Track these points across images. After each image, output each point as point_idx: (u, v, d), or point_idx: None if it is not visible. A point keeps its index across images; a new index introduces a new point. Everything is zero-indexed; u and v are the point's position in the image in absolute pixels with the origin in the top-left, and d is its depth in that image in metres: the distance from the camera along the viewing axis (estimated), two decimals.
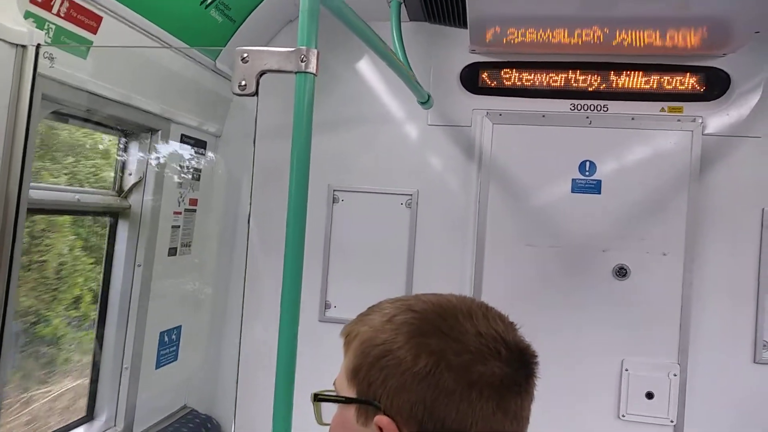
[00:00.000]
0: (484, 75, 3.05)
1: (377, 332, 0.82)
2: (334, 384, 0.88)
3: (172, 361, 3.00)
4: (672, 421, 2.85)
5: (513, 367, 0.81)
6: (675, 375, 2.85)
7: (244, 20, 2.77)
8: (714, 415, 2.87)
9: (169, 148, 2.72)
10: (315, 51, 1.40)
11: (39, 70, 1.69)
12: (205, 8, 2.47)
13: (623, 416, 2.89)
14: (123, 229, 2.62)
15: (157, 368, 2.87)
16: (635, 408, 2.88)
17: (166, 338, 2.93)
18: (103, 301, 2.61)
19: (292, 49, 1.39)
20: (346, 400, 0.83)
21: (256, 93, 1.44)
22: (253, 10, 2.77)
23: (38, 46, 1.67)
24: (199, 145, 2.97)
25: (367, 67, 3.17)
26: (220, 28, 2.66)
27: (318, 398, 0.87)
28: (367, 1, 2.73)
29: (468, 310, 0.84)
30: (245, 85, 1.44)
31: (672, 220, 2.86)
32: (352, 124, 3.18)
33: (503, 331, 0.83)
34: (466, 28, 2.74)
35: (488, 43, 2.88)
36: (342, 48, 3.03)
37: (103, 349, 2.63)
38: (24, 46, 1.66)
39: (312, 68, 1.41)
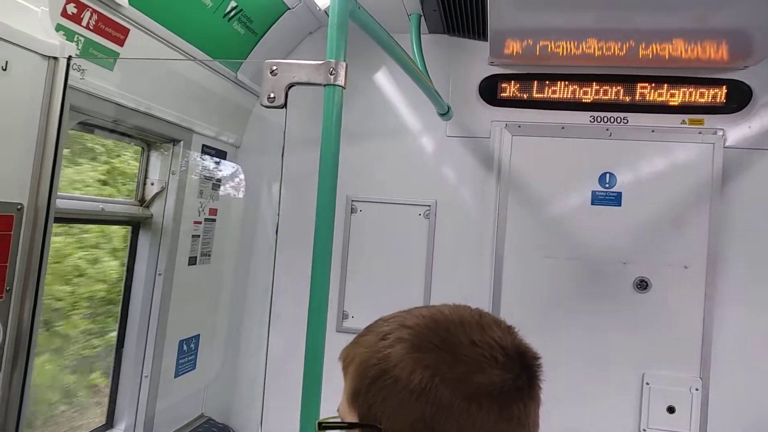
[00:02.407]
0: (503, 87, 3.05)
1: (372, 353, 0.80)
2: (338, 410, 0.86)
3: (191, 370, 3.01)
4: None
5: (513, 372, 0.77)
6: (697, 389, 2.82)
7: (265, 32, 2.80)
8: (737, 430, 2.83)
9: (191, 158, 2.74)
10: (344, 64, 1.43)
11: (69, 81, 1.72)
12: (228, 21, 2.50)
13: (644, 430, 2.86)
14: (144, 238, 2.65)
15: (176, 377, 2.88)
16: (656, 422, 2.85)
17: (185, 347, 2.95)
18: (123, 308, 2.63)
19: (321, 62, 1.41)
20: (349, 426, 0.81)
21: (284, 105, 1.46)
22: (275, 22, 2.80)
23: (69, 58, 1.69)
24: (219, 155, 3.00)
25: (385, 79, 3.19)
26: (242, 40, 2.69)
27: (322, 426, 0.85)
28: (387, 14, 2.75)
29: (460, 320, 0.81)
30: (274, 97, 1.46)
31: (693, 233, 2.84)
32: (370, 135, 3.19)
33: (500, 337, 0.80)
34: (486, 40, 2.76)
35: (507, 56, 2.89)
36: (361, 60, 3.05)
37: (123, 357, 2.64)
38: (56, 58, 1.68)
39: (341, 81, 1.43)
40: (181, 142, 2.65)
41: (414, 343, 0.78)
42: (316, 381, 1.43)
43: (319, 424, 0.85)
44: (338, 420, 0.84)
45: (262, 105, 1.47)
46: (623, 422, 2.88)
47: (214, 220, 3.03)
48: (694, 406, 2.82)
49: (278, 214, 3.20)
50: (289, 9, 2.76)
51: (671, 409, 2.85)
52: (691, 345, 2.84)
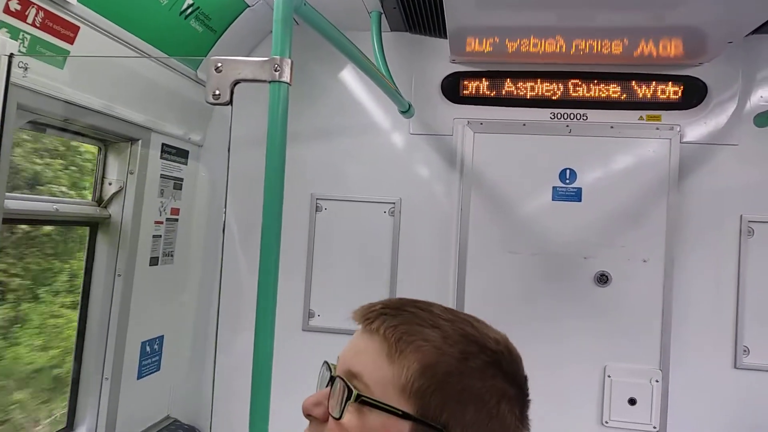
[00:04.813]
0: (465, 84, 3.07)
1: (454, 365, 0.79)
2: (351, 379, 0.82)
3: (155, 371, 2.98)
4: (655, 428, 2.86)
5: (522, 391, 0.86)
6: (657, 381, 2.87)
7: (224, 30, 2.77)
8: (696, 420, 2.89)
9: (150, 157, 2.71)
10: (289, 60, 1.41)
11: (12, 79, 1.69)
12: (185, 18, 2.48)
13: (606, 423, 2.90)
14: (103, 239, 2.61)
15: (138, 378, 2.85)
16: (618, 414, 2.89)
17: (148, 348, 2.91)
18: (82, 310, 2.59)
19: (266, 58, 1.40)
20: (403, 415, 0.78)
21: (230, 102, 1.44)
22: (234, 20, 2.77)
23: (11, 56, 1.66)
24: (180, 154, 2.97)
25: (350, 77, 3.18)
26: (200, 38, 2.67)
27: (362, 400, 0.80)
28: (347, 12, 2.77)
29: (516, 353, 0.88)
30: (219, 94, 1.44)
31: (652, 227, 2.89)
32: (335, 132, 3.19)
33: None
34: (446, 38, 2.77)
35: (468, 53, 2.91)
36: (325, 58, 3.05)
37: (83, 360, 2.60)
38: None
39: (286, 77, 1.42)
40: (140, 141, 2.62)
41: (503, 372, 0.82)
42: (265, 382, 1.42)
43: (358, 395, 0.80)
44: (385, 404, 0.80)
45: (207, 102, 1.45)
46: (585, 415, 2.92)
47: (176, 220, 3.00)
48: (654, 397, 2.87)
49: (224, 213, 3.18)
50: (249, 6, 2.74)
51: (632, 401, 2.89)
52: (651, 337, 2.88)
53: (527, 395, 0.86)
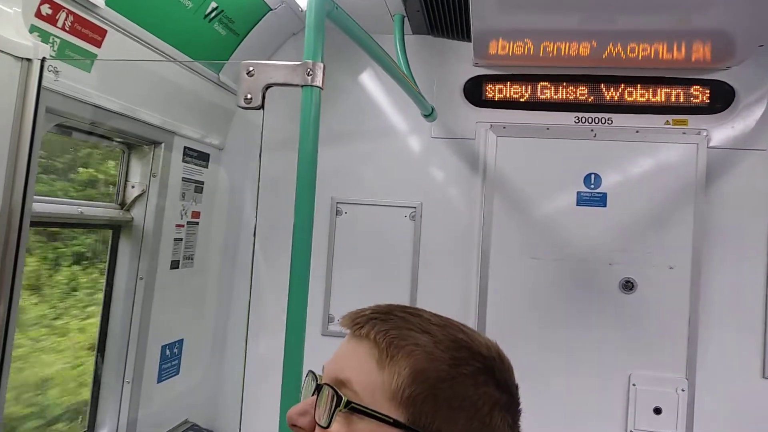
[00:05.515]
0: (488, 88, 3.04)
1: (445, 371, 0.77)
2: (339, 386, 0.78)
3: (174, 375, 2.97)
4: None
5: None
6: (683, 390, 2.82)
7: (247, 33, 2.77)
8: (722, 431, 2.83)
9: (172, 160, 2.71)
10: (321, 65, 1.41)
11: (43, 83, 1.69)
12: (209, 22, 2.48)
13: (632, 431, 2.85)
14: (125, 242, 2.61)
15: (158, 382, 2.84)
16: (643, 423, 2.85)
17: (168, 352, 2.91)
18: (104, 313, 2.59)
19: (299, 62, 1.40)
20: (394, 423, 0.75)
21: (262, 106, 1.44)
22: (257, 23, 2.77)
23: (43, 60, 1.66)
24: (201, 157, 2.97)
25: (370, 80, 3.17)
26: (223, 41, 2.67)
27: (353, 408, 0.77)
28: (370, 15, 2.75)
29: (504, 357, 0.85)
30: (251, 98, 1.44)
31: (678, 234, 2.85)
32: (355, 136, 3.18)
33: None
34: (470, 41, 2.75)
35: (492, 56, 2.89)
36: (346, 61, 3.03)
37: (105, 363, 2.60)
38: (29, 60, 1.65)
39: (318, 82, 1.41)
40: (162, 144, 2.62)
41: (495, 379, 0.80)
42: (295, 386, 1.41)
43: (348, 402, 0.77)
44: (375, 411, 0.76)
45: (238, 106, 1.44)
46: (610, 423, 2.88)
47: (197, 224, 2.99)
48: (680, 406, 2.83)
49: (256, 217, 3.17)
50: (272, 10, 2.74)
51: (658, 410, 2.84)
52: (677, 346, 2.84)
53: (519, 404, 0.83)
